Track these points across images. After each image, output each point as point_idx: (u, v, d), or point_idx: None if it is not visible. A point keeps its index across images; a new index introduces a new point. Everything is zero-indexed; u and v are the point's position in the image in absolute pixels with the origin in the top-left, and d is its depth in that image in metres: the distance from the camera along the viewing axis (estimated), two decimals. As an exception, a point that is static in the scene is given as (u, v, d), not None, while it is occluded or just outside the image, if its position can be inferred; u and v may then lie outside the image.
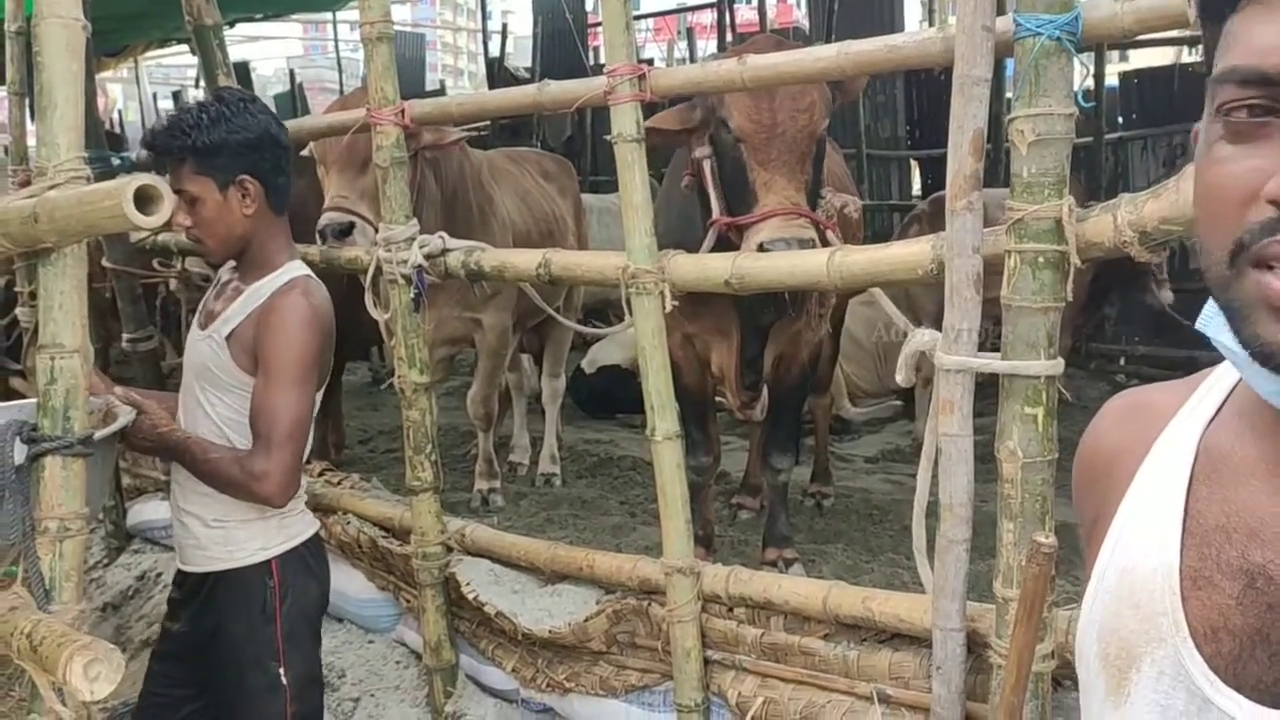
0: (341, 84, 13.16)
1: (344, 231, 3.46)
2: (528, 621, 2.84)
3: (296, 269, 2.29)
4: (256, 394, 2.18)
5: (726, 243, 2.88)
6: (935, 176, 9.03)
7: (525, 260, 2.96)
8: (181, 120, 2.21)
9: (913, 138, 10.04)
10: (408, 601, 3.31)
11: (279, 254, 2.29)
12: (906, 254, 2.26)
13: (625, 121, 2.55)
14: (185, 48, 10.62)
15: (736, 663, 2.56)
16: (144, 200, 1.75)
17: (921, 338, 2.27)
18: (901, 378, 2.33)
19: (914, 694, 2.27)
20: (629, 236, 2.60)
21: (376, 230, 3.50)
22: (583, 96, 2.74)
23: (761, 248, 2.67)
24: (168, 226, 1.99)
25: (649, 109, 2.67)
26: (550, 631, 2.79)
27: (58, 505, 1.93)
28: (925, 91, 9.66)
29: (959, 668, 2.13)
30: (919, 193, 10.00)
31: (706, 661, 2.58)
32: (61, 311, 1.96)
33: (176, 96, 13.00)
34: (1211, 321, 0.74)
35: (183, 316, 4.58)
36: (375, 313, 3.21)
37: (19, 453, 1.93)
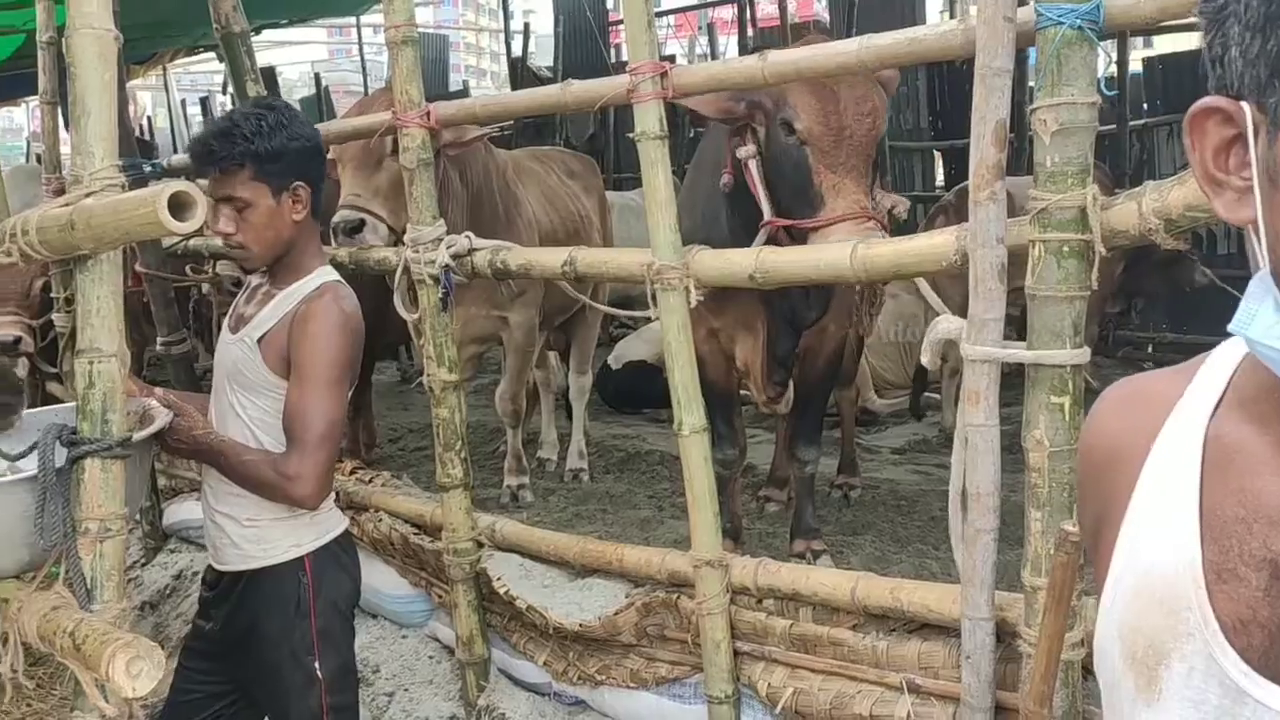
0: (366, 86, 13.24)
1: (354, 228, 3.51)
2: (558, 615, 2.87)
3: (327, 274, 2.32)
4: (290, 397, 2.21)
5: (774, 244, 2.85)
6: (959, 168, 8.99)
7: (551, 258, 2.99)
8: (240, 127, 2.21)
9: (935, 129, 9.99)
10: (440, 597, 3.35)
11: (312, 259, 2.33)
12: (931, 246, 2.26)
13: (648, 119, 2.57)
14: (212, 55, 10.75)
15: (766, 654, 2.58)
16: (177, 206, 1.78)
17: (946, 325, 2.28)
18: (927, 359, 2.35)
19: (944, 683, 2.28)
20: (653, 233, 2.61)
21: (389, 228, 3.61)
22: (606, 95, 2.77)
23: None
24: (200, 232, 2.03)
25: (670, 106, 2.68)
26: (581, 625, 2.82)
27: (98, 506, 1.97)
28: (947, 83, 9.61)
29: (988, 657, 2.14)
30: (942, 184, 9.96)
31: (736, 653, 2.60)
32: (99, 317, 2.00)
33: (204, 103, 13.14)
34: (1254, 323, 0.71)
35: (213, 319, 4.65)
36: (404, 312, 3.25)
37: (59, 455, 1.98)
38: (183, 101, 14.60)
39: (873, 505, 4.27)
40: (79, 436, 1.98)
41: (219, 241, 4.20)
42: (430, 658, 3.37)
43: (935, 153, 10.19)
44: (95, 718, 1.89)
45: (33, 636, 1.91)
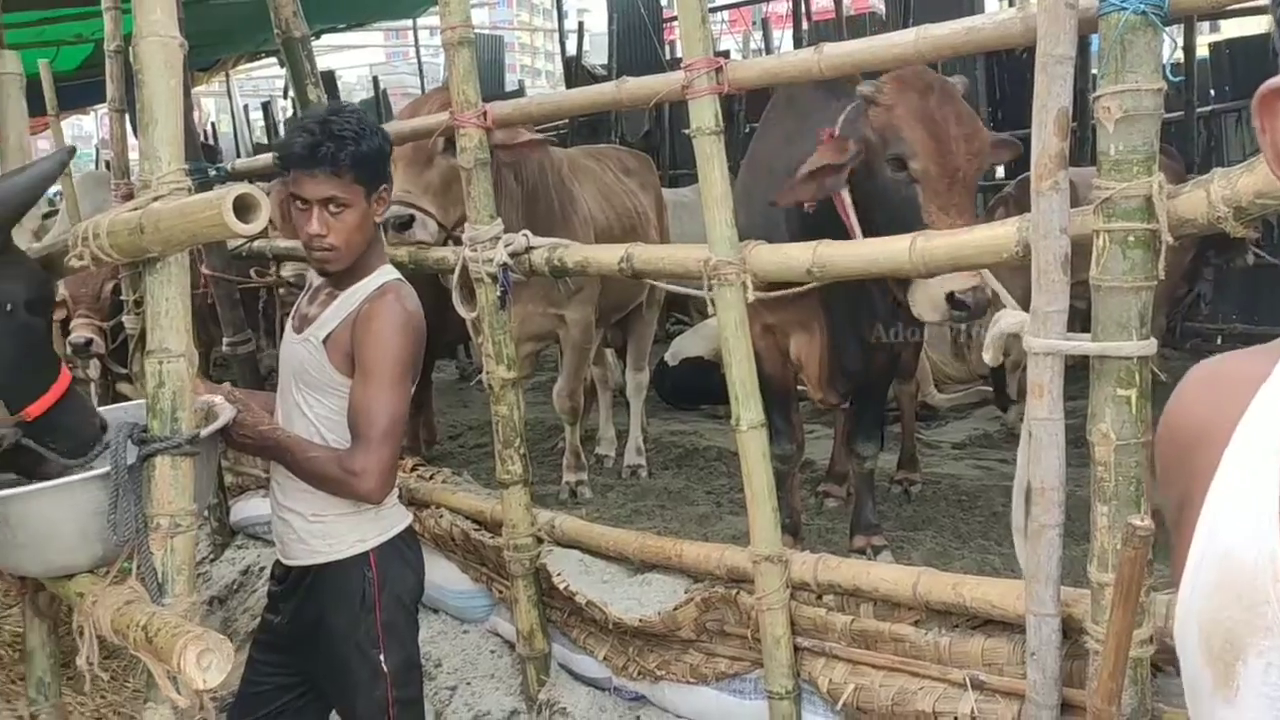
0: (423, 88, 13.38)
1: (404, 224, 3.56)
2: (618, 611, 2.88)
3: (389, 274, 2.35)
4: (354, 395, 2.25)
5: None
6: (1019, 158, 8.83)
7: (608, 255, 3.00)
8: (341, 129, 2.23)
9: (995, 119, 9.84)
10: (500, 592, 3.38)
11: (375, 260, 2.36)
12: (991, 237, 2.23)
13: (704, 115, 2.57)
14: (273, 60, 10.94)
15: (826, 650, 2.56)
16: (242, 209, 1.82)
17: (1009, 319, 2.25)
18: (989, 357, 2.31)
19: (1008, 680, 2.25)
20: (710, 228, 2.61)
21: (439, 224, 3.66)
22: (661, 92, 2.76)
23: (952, 296, 2.63)
24: (264, 234, 2.07)
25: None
26: (640, 620, 2.83)
27: (168, 503, 2.02)
28: (1007, 72, 9.45)
29: (1054, 653, 2.10)
30: (1001, 175, 9.80)
31: (796, 649, 2.59)
32: (167, 318, 2.04)
33: (266, 108, 13.37)
34: None
35: (277, 320, 4.73)
36: (462, 311, 3.28)
37: (130, 453, 2.03)
38: (245, 106, 14.88)
39: (933, 500, 4.22)
40: (149, 435, 2.03)
41: (282, 243, 4.33)
42: (492, 652, 3.40)
43: (994, 143, 10.01)
44: (167, 709, 1.94)
45: (107, 630, 1.97)
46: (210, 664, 1.71)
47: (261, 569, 4.27)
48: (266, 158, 6.83)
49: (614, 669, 2.97)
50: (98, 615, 1.98)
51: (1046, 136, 2.02)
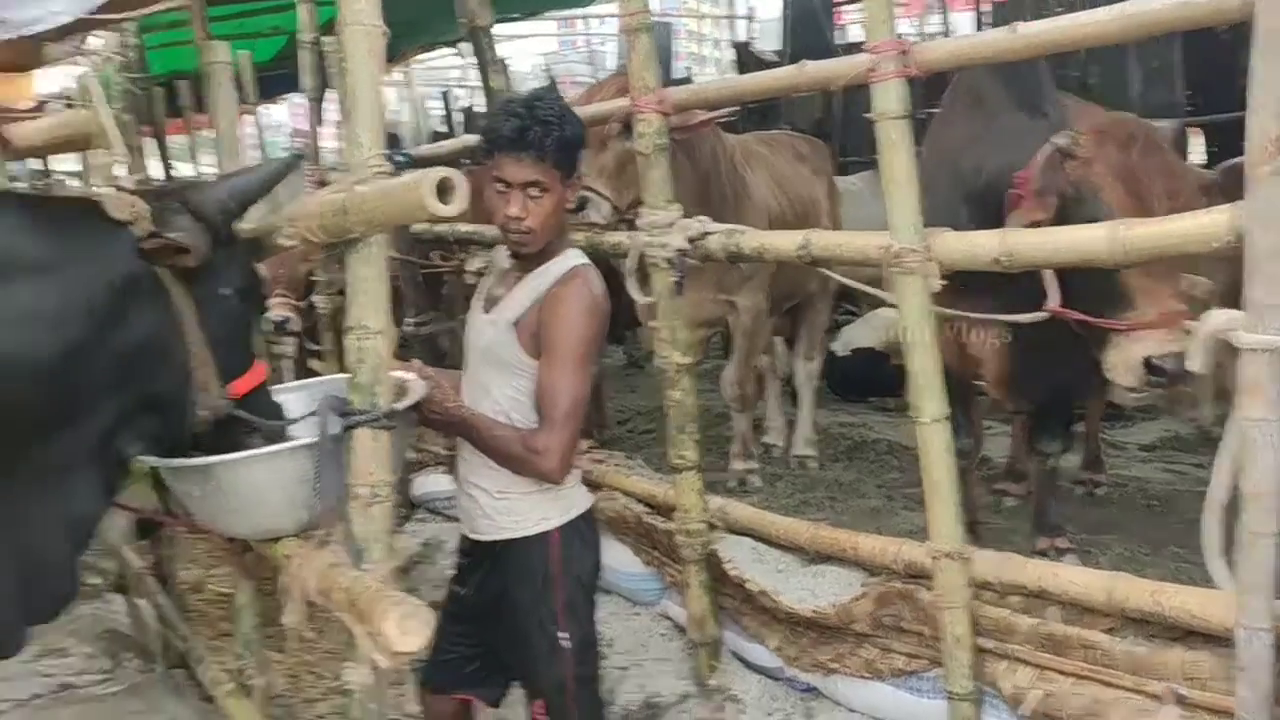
0: (593, 77, 13.57)
1: (578, 206, 3.60)
2: (790, 601, 2.86)
3: (576, 257, 2.40)
4: (540, 376, 2.30)
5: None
6: (1224, 144, 8.28)
7: (786, 241, 2.97)
8: (546, 115, 2.27)
9: (1194, 103, 9.24)
10: (671, 577, 3.41)
11: (563, 244, 2.41)
12: (1199, 226, 2.11)
13: (888, 99, 2.51)
14: (448, 50, 11.28)
15: (1010, 653, 2.47)
16: (442, 191, 1.87)
17: (1219, 318, 2.10)
18: (1198, 364, 2.15)
19: (1213, 696, 2.12)
20: (893, 213, 2.55)
21: (613, 206, 3.68)
22: (844, 76, 2.71)
23: (1149, 362, 2.48)
24: (463, 217, 2.12)
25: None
26: (814, 612, 2.80)
27: (368, 473, 2.11)
28: (1207, 52, 8.86)
29: (1267, 670, 1.97)
30: (1202, 162, 9.21)
31: (977, 649, 2.51)
32: (367, 296, 2.13)
33: (445, 96, 13.80)
34: None
35: (457, 303, 4.89)
36: (636, 296, 3.31)
37: (334, 425, 2.13)
38: (422, 96, 15.39)
39: (1120, 504, 4.02)
40: (351, 408, 2.12)
41: (463, 228, 4.46)
42: (662, 635, 3.44)
43: (1190, 128, 9.42)
44: (365, 669, 2.03)
45: (312, 591, 2.08)
46: (410, 629, 1.77)
47: (441, 542, 4.44)
48: (448, 144, 7.08)
49: (786, 659, 2.95)
50: (304, 577, 2.09)
51: (1265, 119, 1.89)
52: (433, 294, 5.26)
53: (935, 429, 2.52)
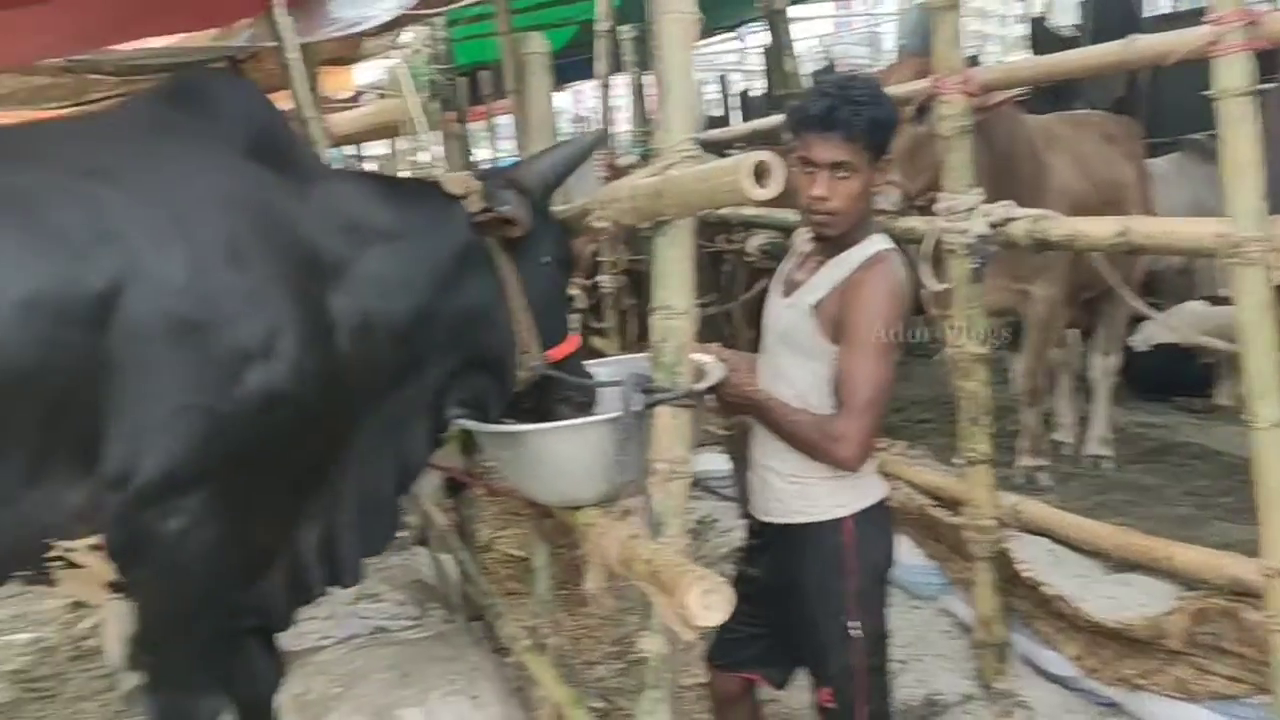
0: (872, 60, 13.29)
1: None
2: (1092, 609, 2.70)
3: (881, 242, 2.34)
4: (841, 362, 2.27)
5: None
6: None
7: (1100, 229, 2.78)
8: (858, 95, 2.24)
9: None
10: (955, 573, 3.30)
11: (867, 229, 2.36)
12: None
13: (1233, 74, 2.30)
14: (722, 35, 11.36)
15: (1352, 685, 2.23)
16: (758, 174, 1.88)
17: None
18: None
19: None
20: (1232, 199, 2.34)
21: (903, 193, 3.59)
22: (1178, 50, 2.51)
23: None
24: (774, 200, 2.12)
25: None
26: (1119, 623, 2.63)
27: (667, 450, 2.16)
28: None
29: None
30: None
31: (1316, 681, 2.28)
32: (673, 277, 2.18)
33: (722, 81, 13.93)
34: None
35: (738, 285, 4.93)
36: (931, 283, 3.21)
37: (637, 401, 2.21)
38: (700, 81, 15.60)
39: None
40: (653, 385, 2.18)
41: (748, 211, 4.49)
42: (944, 632, 3.34)
43: None
44: (661, 639, 2.10)
45: (612, 560, 2.16)
46: (711, 604, 1.81)
47: (714, 521, 4.50)
48: (733, 129, 7.13)
49: (1084, 670, 2.78)
50: (605, 546, 2.17)
51: None
52: (713, 275, 5.33)
53: (1273, 435, 2.30)
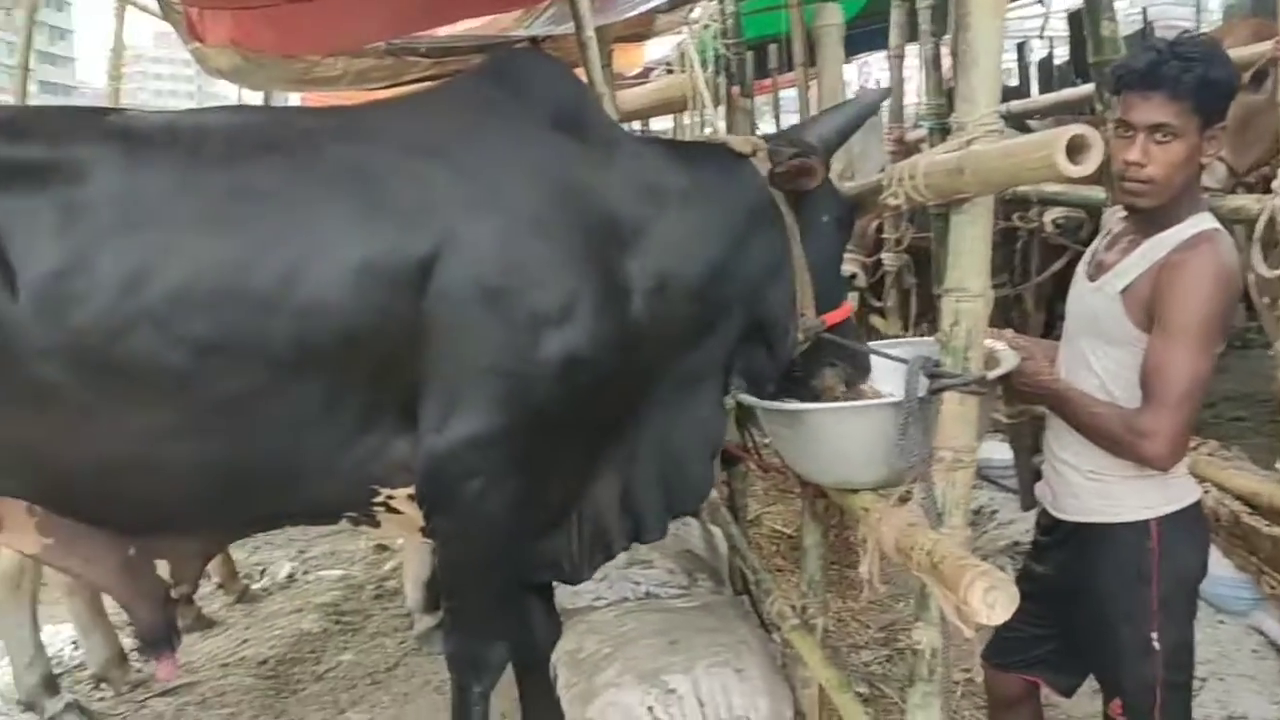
0: (1194, 21, 12.14)
1: None
2: None
3: (1205, 221, 2.12)
4: (1152, 351, 2.09)
5: None
6: None
7: None
8: (1189, 53, 2.06)
9: None
10: (1271, 587, 3.00)
11: (1191, 206, 2.15)
12: None
13: None
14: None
15: None
16: (1073, 149, 1.76)
17: None
18: None
19: None
20: None
21: (1229, 169, 3.32)
22: None
23: None
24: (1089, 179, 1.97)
25: None
26: None
27: (953, 437, 2.06)
28: None
29: None
30: None
31: None
32: (970, 257, 2.06)
33: (1020, 48, 13.15)
34: None
35: (1034, 266, 4.66)
36: (1262, 269, 2.91)
37: (922, 385, 2.13)
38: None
39: None
40: (941, 370, 2.10)
41: (1050, 188, 4.22)
42: (1253, 651, 3.05)
43: None
44: (934, 631, 2.03)
45: (889, 547, 2.10)
46: (996, 601, 1.73)
47: (992, 512, 4.32)
48: (1035, 100, 6.72)
49: None
50: (882, 532, 2.12)
51: None
52: (1005, 256, 5.06)
53: None
